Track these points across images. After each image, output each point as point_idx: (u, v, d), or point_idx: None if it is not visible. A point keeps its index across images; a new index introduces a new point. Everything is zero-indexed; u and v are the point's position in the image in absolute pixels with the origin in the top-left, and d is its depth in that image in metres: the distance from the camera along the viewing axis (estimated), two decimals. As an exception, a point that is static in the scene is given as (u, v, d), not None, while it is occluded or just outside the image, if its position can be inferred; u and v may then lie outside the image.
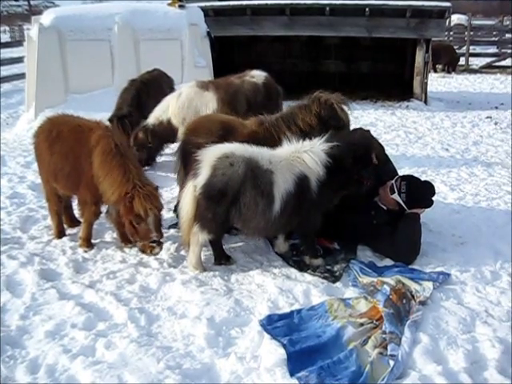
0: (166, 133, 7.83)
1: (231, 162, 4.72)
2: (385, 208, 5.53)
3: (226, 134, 5.63)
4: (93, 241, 5.75)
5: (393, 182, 5.43)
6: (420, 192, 5.42)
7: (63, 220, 6.10)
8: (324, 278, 4.95)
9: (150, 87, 8.92)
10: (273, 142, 5.47)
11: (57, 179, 5.62)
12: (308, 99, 6.12)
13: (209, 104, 7.63)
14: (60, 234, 5.92)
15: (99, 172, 5.18)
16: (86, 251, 5.56)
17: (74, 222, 6.20)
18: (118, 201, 5.09)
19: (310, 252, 5.24)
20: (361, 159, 5.05)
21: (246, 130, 5.78)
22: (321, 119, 5.91)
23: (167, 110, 7.73)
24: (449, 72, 23.47)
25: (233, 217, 4.84)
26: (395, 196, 5.35)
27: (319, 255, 5.27)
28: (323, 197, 4.95)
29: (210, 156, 4.79)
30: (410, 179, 5.53)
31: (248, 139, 5.34)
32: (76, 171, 5.40)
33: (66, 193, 5.86)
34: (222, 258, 5.26)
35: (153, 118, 7.83)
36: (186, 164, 5.53)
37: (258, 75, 8.05)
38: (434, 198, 5.53)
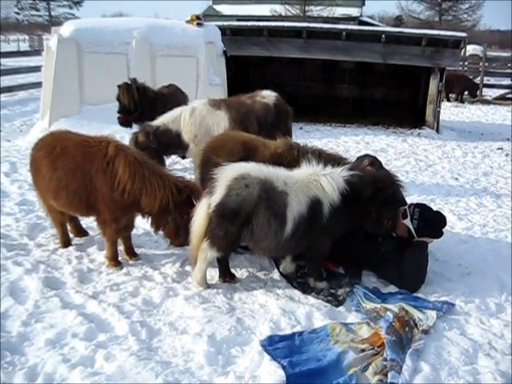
0: (170, 141, 7.67)
1: (247, 183, 4.73)
2: (393, 234, 5.51)
3: (246, 155, 5.61)
4: (98, 252, 5.78)
5: (406, 207, 5.42)
6: (432, 221, 5.39)
7: (70, 230, 6.10)
8: (327, 301, 4.93)
9: (167, 101, 9.00)
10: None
11: (58, 197, 5.45)
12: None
13: (220, 123, 7.61)
14: (66, 243, 5.90)
15: (132, 185, 5.15)
16: (117, 269, 5.46)
17: (81, 232, 6.21)
18: (165, 206, 5.14)
19: (315, 275, 5.22)
20: (382, 196, 5.01)
21: (269, 152, 5.74)
22: None
23: (178, 121, 7.63)
24: (462, 102, 23.51)
25: (244, 236, 4.86)
26: (407, 221, 5.33)
27: (323, 278, 5.25)
28: (333, 223, 4.93)
29: (226, 176, 4.81)
30: (423, 207, 5.51)
31: (270, 161, 5.29)
32: (85, 188, 5.28)
33: (66, 211, 5.71)
34: (226, 276, 5.26)
35: (159, 123, 7.68)
36: (204, 181, 5.51)
37: (268, 96, 8.06)
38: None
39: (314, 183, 4.92)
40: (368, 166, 5.78)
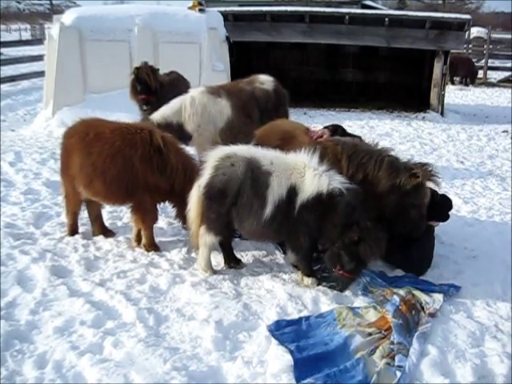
0: (172, 134, 7.42)
1: (232, 162, 4.74)
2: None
3: (283, 143, 5.49)
4: (104, 240, 5.81)
5: None
6: (438, 205, 5.37)
7: (95, 229, 5.93)
8: (330, 287, 4.90)
9: (169, 88, 8.94)
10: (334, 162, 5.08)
11: (92, 184, 5.34)
12: (408, 164, 5.22)
13: (223, 111, 7.49)
14: (73, 232, 5.88)
15: (184, 175, 5.19)
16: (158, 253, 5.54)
17: (106, 231, 6.00)
18: (187, 189, 5.10)
19: (302, 269, 5.02)
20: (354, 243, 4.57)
21: (307, 139, 5.54)
22: (393, 191, 5.07)
23: (179, 113, 7.40)
24: (466, 85, 23.37)
25: (232, 216, 4.82)
26: None
27: (313, 275, 5.01)
28: (302, 220, 4.70)
29: (213, 157, 4.84)
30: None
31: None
32: (125, 174, 5.23)
33: (100, 200, 5.61)
34: (231, 261, 5.27)
35: (159, 117, 7.33)
36: None
37: (266, 81, 7.98)
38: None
39: (300, 173, 4.75)
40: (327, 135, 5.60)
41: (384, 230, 4.67)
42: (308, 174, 4.72)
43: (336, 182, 4.69)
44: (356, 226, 4.54)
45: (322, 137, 5.62)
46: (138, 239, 5.68)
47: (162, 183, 5.28)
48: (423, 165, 5.19)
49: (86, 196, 5.57)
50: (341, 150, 5.17)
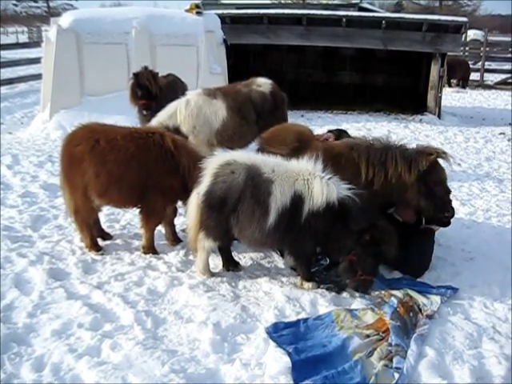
0: None
1: (232, 169, 4.68)
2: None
3: (300, 146, 5.38)
4: (101, 243, 5.79)
5: None
6: None
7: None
8: (327, 289, 4.90)
9: (166, 92, 8.92)
10: (351, 167, 5.17)
11: (107, 192, 5.29)
12: (416, 148, 5.32)
13: (218, 112, 7.49)
14: (96, 246, 5.60)
15: (195, 169, 5.08)
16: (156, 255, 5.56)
17: (104, 234, 5.98)
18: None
19: (302, 273, 5.00)
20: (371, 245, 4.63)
21: (322, 145, 5.46)
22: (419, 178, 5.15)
23: (174, 116, 7.37)
24: (463, 87, 23.41)
25: (231, 223, 4.75)
26: None
27: (313, 279, 5.01)
28: (309, 228, 4.67)
29: (212, 164, 4.79)
30: None
31: (323, 154, 5.03)
32: (139, 179, 5.25)
33: (114, 205, 5.71)
34: (230, 264, 5.26)
35: (155, 123, 7.27)
36: None
37: (264, 84, 7.97)
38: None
39: (305, 179, 4.71)
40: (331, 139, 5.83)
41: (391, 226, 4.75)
42: (316, 182, 4.68)
43: (343, 189, 4.69)
44: (372, 229, 4.58)
45: (327, 140, 5.77)
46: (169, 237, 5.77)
47: (175, 183, 5.31)
48: (426, 146, 5.37)
49: (97, 204, 5.51)
50: (358, 155, 5.17)
